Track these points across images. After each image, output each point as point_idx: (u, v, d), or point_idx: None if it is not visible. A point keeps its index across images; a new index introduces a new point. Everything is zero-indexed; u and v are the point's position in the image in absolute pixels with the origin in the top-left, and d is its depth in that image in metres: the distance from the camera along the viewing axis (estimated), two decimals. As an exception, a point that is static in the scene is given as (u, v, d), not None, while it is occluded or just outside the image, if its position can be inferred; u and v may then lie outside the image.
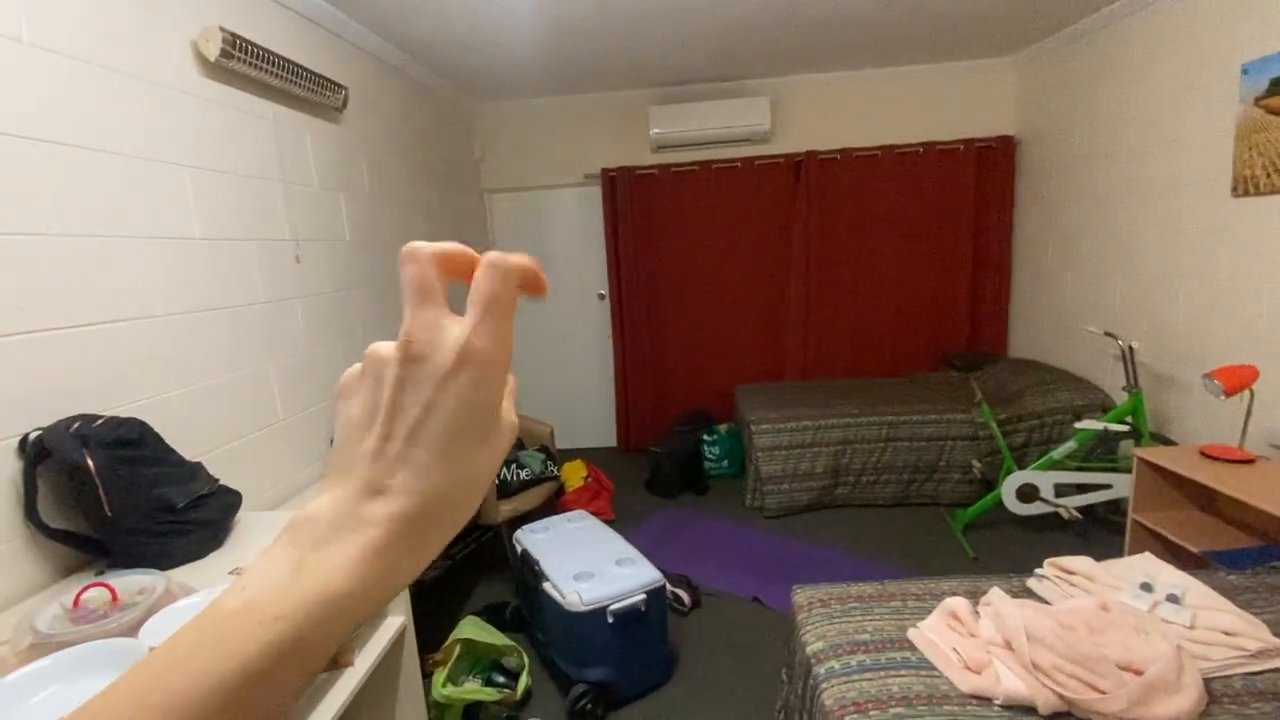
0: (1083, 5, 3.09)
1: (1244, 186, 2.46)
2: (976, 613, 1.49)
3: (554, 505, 3.22)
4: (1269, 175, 2.35)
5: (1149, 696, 1.18)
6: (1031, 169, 3.94)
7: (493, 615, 2.48)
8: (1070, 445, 2.86)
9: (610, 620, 2.01)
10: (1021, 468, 3.00)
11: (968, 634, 1.43)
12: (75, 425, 1.34)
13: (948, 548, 3.00)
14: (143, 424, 1.46)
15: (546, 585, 2.13)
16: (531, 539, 2.40)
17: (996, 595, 1.50)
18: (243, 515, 1.67)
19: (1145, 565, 1.68)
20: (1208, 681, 1.28)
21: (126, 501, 1.36)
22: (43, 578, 1.37)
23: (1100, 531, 3.04)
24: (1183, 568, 1.68)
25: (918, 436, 3.36)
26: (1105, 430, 2.71)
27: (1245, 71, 2.42)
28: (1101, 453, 3.16)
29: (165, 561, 1.40)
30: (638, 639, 2.09)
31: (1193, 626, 1.42)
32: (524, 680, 2.12)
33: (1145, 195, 3.00)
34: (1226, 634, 1.38)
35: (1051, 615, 1.39)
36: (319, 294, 2.44)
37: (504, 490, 2.79)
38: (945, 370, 4.22)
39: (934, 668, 1.37)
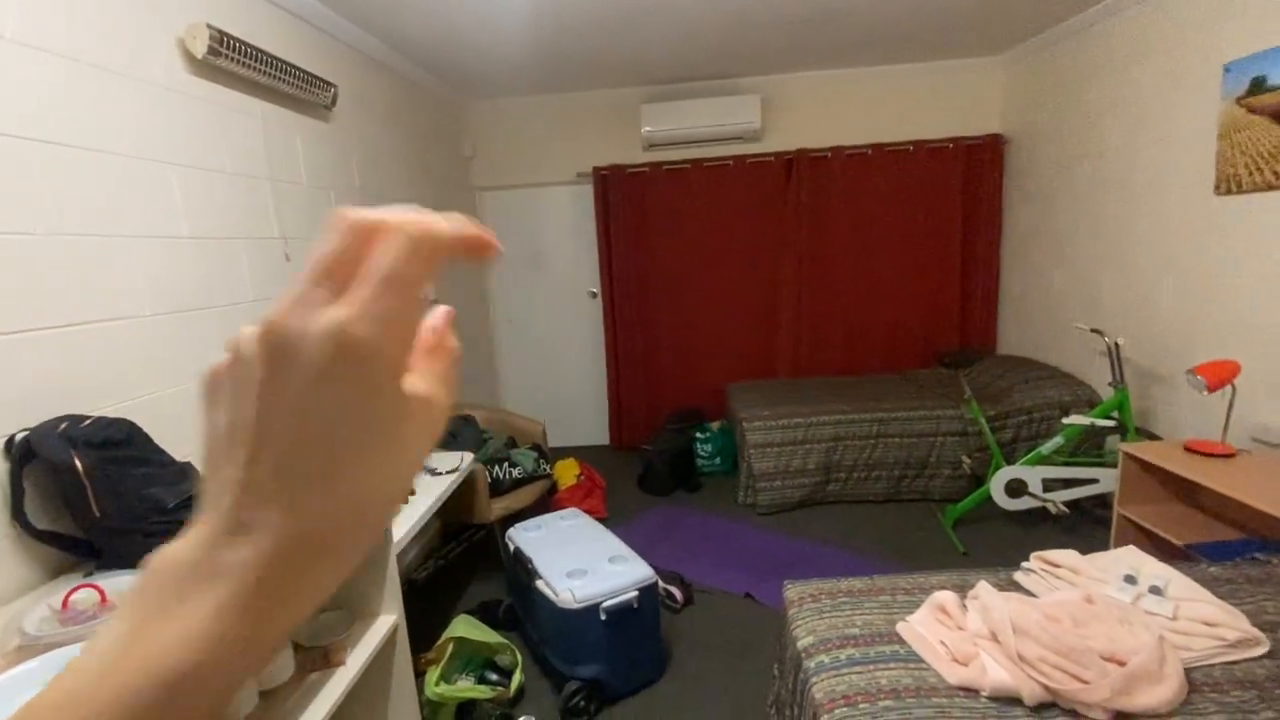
0: (1069, 5, 3.12)
1: (1227, 184, 2.49)
2: (964, 606, 1.51)
3: (547, 503, 3.22)
4: (1251, 173, 2.38)
5: (1132, 686, 1.20)
6: (1020, 167, 3.97)
7: (486, 613, 2.49)
8: (1058, 440, 2.89)
9: (603, 617, 2.02)
10: (1010, 463, 3.03)
11: (955, 627, 1.45)
12: (63, 426, 1.33)
13: (938, 543, 3.03)
14: (131, 424, 1.45)
15: (539, 583, 2.14)
16: (524, 537, 2.41)
17: (984, 589, 1.51)
18: (233, 515, 1.66)
19: (1129, 558, 1.71)
20: (1189, 671, 1.30)
21: (115, 502, 1.35)
22: (31, 579, 1.36)
23: (1087, 525, 3.08)
24: (1166, 560, 1.71)
25: (908, 433, 3.38)
26: (1092, 425, 2.74)
27: (1228, 71, 2.45)
28: (1088, 448, 3.20)
29: (155, 562, 1.40)
30: (630, 636, 2.10)
31: (1175, 617, 1.44)
32: (517, 678, 2.12)
33: (1131, 193, 3.04)
34: (1207, 624, 1.40)
35: (1037, 608, 1.41)
36: (309, 293, 2.43)
37: (496, 489, 2.79)
38: (936, 367, 4.26)
39: (922, 661, 1.39)
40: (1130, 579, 1.56)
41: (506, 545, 2.46)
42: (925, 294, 4.30)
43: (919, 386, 3.80)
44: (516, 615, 2.48)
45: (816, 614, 1.59)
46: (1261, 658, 1.34)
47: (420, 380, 0.25)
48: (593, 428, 4.81)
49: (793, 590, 1.72)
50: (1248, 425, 2.44)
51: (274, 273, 2.23)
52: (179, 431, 1.76)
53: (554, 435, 4.75)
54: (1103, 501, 3.12)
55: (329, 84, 2.45)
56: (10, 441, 1.31)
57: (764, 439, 3.42)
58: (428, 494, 2.17)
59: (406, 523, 1.94)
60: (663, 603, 2.58)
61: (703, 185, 4.26)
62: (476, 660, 2.20)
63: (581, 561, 2.19)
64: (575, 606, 2.00)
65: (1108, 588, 1.56)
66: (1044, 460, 2.92)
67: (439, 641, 2.13)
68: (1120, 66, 3.06)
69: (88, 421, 1.37)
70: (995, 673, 1.29)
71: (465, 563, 3.12)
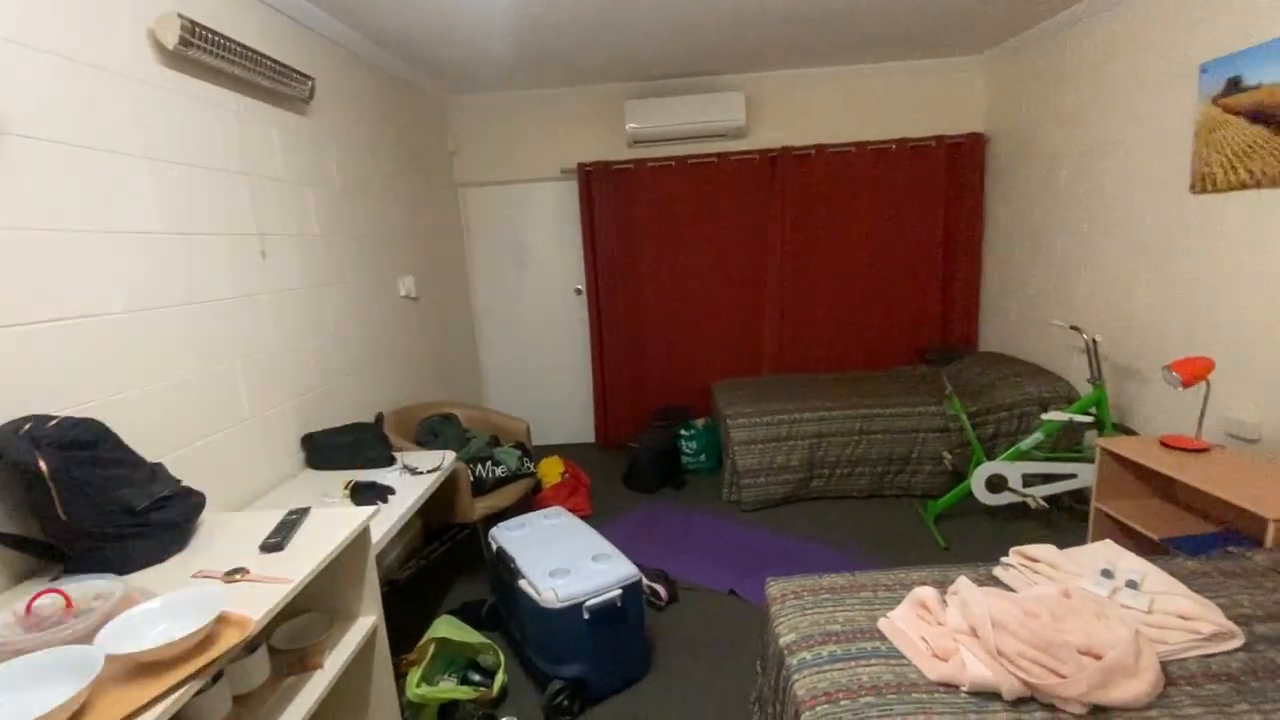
0: (1050, 5, 3.14)
1: (1202, 183, 2.53)
2: (944, 602, 1.52)
3: (531, 502, 3.21)
4: (1226, 172, 2.42)
5: (1108, 680, 1.22)
6: (1001, 165, 4.01)
7: (468, 614, 2.47)
8: (1037, 436, 2.92)
9: (586, 616, 2.01)
10: (990, 459, 3.06)
11: (936, 623, 1.46)
12: (27, 426, 1.29)
13: (920, 538, 3.06)
14: (100, 424, 1.41)
15: (522, 582, 2.12)
16: (507, 536, 2.39)
17: (964, 584, 1.52)
18: (207, 516, 1.63)
19: (1106, 552, 1.73)
20: (1165, 664, 1.32)
21: (82, 505, 1.32)
22: (-6, 584, 1.33)
23: (1065, 520, 3.12)
24: (1142, 554, 1.73)
25: (891, 429, 3.41)
26: (1070, 421, 2.78)
27: (1204, 71, 2.48)
28: (1067, 443, 3.24)
29: (125, 565, 1.37)
30: (614, 634, 2.09)
31: (1151, 611, 1.46)
32: (500, 678, 2.11)
33: (1108, 192, 3.08)
34: (1183, 618, 1.42)
35: (1016, 603, 1.42)
36: (287, 290, 2.39)
37: (479, 488, 2.77)
38: (919, 364, 4.29)
39: (903, 656, 1.39)
40: (1107, 573, 1.58)
41: (489, 544, 2.44)
42: (908, 291, 4.34)
43: (902, 383, 3.83)
44: (499, 615, 2.46)
45: (799, 611, 1.59)
46: (1236, 651, 1.36)
47: None
48: (578, 426, 4.79)
49: (775, 587, 1.72)
50: (1222, 420, 2.49)
51: (250, 270, 2.19)
52: (151, 432, 1.72)
53: (539, 433, 4.74)
54: (1081, 496, 3.17)
55: (306, 77, 2.41)
56: (-29, 443, 1.27)
57: (748, 436, 3.43)
58: (410, 493, 2.14)
59: (387, 522, 1.91)
60: (647, 600, 2.58)
61: (688, 182, 4.25)
62: (459, 661, 2.18)
63: (565, 560, 2.17)
64: (558, 606, 1.99)
65: (1085, 582, 1.58)
66: (1024, 456, 2.96)
67: (421, 642, 2.11)
68: (1099, 66, 3.09)
69: (53, 422, 1.34)
70: (975, 668, 1.29)
71: (448, 563, 3.09)
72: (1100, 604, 1.43)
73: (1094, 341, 2.89)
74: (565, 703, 2.02)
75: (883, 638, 1.46)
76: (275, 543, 1.46)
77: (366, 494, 2.08)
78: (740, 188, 4.25)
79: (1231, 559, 1.73)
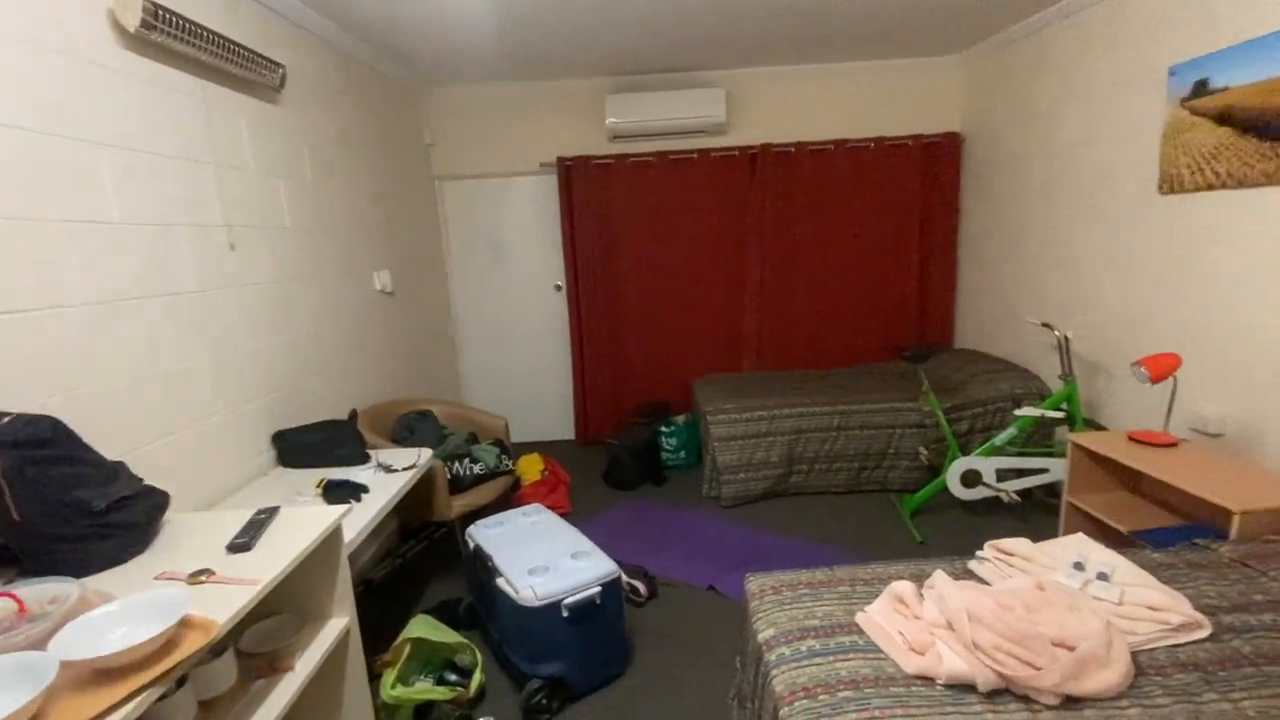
0: (1025, 6, 3.18)
1: (1170, 184, 2.58)
2: (921, 595, 1.53)
3: (510, 500, 3.17)
4: (1193, 173, 2.48)
5: (1081, 671, 1.23)
6: (976, 165, 4.06)
7: (445, 613, 2.43)
8: (1010, 432, 2.97)
9: (565, 614, 1.99)
10: (965, 454, 3.10)
11: (912, 616, 1.47)
12: (-23, 424, 1.23)
13: (896, 532, 3.09)
14: (55, 421, 1.35)
15: (500, 581, 2.10)
16: (484, 534, 2.36)
17: (939, 578, 1.54)
18: (171, 516, 1.58)
19: (1078, 545, 1.76)
20: (1135, 655, 1.34)
21: (37, 505, 1.26)
22: (-58, 589, 1.26)
23: (1038, 513, 3.18)
24: (1112, 547, 1.76)
25: (868, 425, 3.44)
26: (1042, 417, 2.83)
27: (1173, 74, 2.53)
28: (1039, 438, 3.30)
29: (84, 567, 1.32)
30: (593, 632, 2.07)
31: (1121, 603, 1.49)
32: (477, 678, 2.08)
33: (1078, 191, 3.13)
34: (1152, 609, 1.45)
35: (991, 596, 1.43)
36: (256, 284, 2.32)
37: (457, 485, 2.73)
38: (896, 360, 4.34)
39: (880, 650, 1.40)
40: (1079, 566, 1.60)
41: (466, 543, 2.41)
42: (886, 289, 4.38)
43: (879, 379, 3.87)
44: (477, 614, 2.43)
45: (777, 606, 1.59)
46: (1203, 640, 1.39)
47: None
48: (557, 422, 4.76)
49: (754, 583, 1.72)
50: (1187, 416, 2.55)
51: (217, 263, 2.12)
52: (111, 429, 1.66)
53: (518, 430, 4.69)
54: (1053, 490, 3.23)
55: (276, 64, 2.34)
56: (-84, 441, 1.21)
57: (728, 432, 3.43)
58: (384, 491, 2.10)
59: (360, 521, 1.87)
60: (626, 597, 2.57)
61: (668, 178, 4.24)
62: (435, 661, 2.14)
63: (543, 558, 2.15)
64: (536, 604, 1.97)
65: (1058, 574, 1.60)
66: (997, 451, 3.00)
67: (396, 642, 2.07)
68: (1071, 67, 3.14)
69: (6, 419, 1.28)
70: (951, 661, 1.30)
71: (424, 561, 3.05)
72: (1073, 596, 1.45)
73: (1065, 338, 2.94)
74: (544, 701, 2.00)
75: (860, 632, 1.47)
76: (243, 543, 1.42)
77: (339, 492, 2.04)
78: (720, 184, 4.24)
79: (1197, 551, 1.78)
